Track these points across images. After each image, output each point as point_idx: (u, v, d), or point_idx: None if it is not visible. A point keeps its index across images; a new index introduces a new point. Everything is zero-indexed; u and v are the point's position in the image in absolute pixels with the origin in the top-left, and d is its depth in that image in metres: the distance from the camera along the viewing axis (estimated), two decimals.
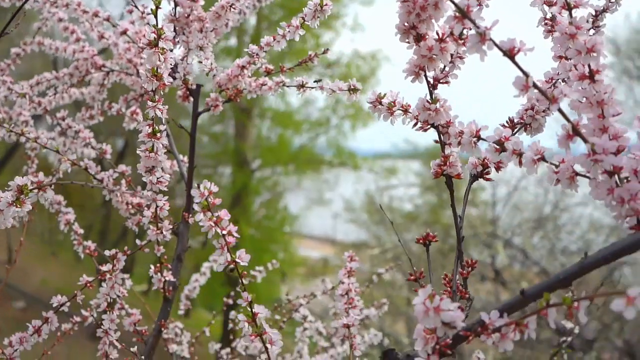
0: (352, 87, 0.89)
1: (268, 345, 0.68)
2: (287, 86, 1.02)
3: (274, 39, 0.96)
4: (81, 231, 1.15)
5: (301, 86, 1.00)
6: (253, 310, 0.69)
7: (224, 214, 0.67)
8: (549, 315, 0.50)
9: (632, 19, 9.18)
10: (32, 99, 1.21)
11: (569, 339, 1.13)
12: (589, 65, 0.57)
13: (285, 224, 11.43)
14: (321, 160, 11.86)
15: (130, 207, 1.08)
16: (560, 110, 0.54)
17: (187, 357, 1.36)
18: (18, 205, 0.70)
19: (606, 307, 6.11)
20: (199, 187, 0.65)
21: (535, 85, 0.53)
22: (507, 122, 0.73)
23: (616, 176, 0.56)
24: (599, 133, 0.56)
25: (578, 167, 0.58)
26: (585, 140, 0.54)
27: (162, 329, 1.04)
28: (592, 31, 0.76)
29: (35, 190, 0.69)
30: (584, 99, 0.58)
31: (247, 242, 10.27)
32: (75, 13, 1.16)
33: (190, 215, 1.02)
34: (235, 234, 0.67)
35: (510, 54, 0.54)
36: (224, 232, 0.66)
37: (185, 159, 1.18)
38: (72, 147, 1.25)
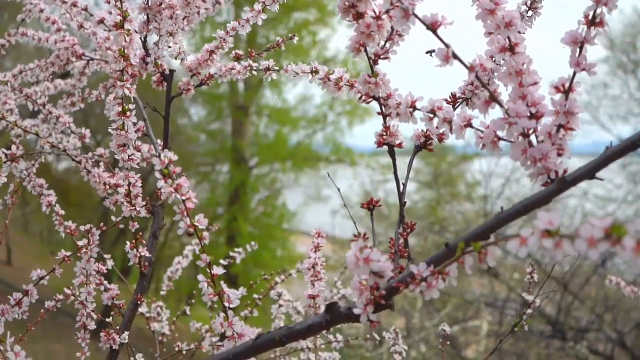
0: (314, 69, 0.94)
1: (226, 304, 0.74)
2: (255, 70, 1.07)
3: (239, 23, 1.02)
4: (62, 212, 1.20)
5: (267, 69, 1.06)
6: (212, 271, 0.74)
7: (184, 181, 0.72)
8: (465, 262, 0.56)
9: (626, 13, 9.23)
10: (14, 87, 1.26)
11: (530, 310, 1.19)
12: (509, 38, 0.62)
13: (283, 221, 11.48)
14: (318, 157, 11.91)
15: (107, 187, 1.13)
16: (478, 78, 0.60)
17: (168, 334, 1.42)
18: None
19: (598, 298, 6.12)
20: (159, 155, 0.70)
21: (454, 56, 0.59)
22: (449, 96, 0.78)
23: (533, 137, 0.61)
24: (519, 100, 0.62)
25: (501, 133, 0.63)
26: (501, 105, 0.60)
27: (139, 303, 1.10)
28: (530, 12, 0.81)
29: (9, 162, 0.74)
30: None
31: (245, 239, 10.32)
32: (54, 3, 1.21)
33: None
34: (195, 200, 0.72)
35: (432, 27, 0.59)
36: (184, 197, 0.71)
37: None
38: (55, 133, 1.31)
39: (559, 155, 0.59)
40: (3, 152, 0.73)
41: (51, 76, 1.32)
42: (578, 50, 0.60)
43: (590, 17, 0.60)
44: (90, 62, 1.31)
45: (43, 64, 1.31)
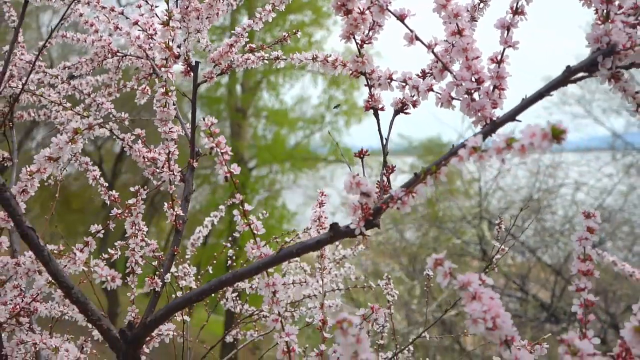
0: (314, 56, 1.18)
1: (255, 232, 0.97)
2: (266, 59, 1.31)
3: (253, 21, 1.26)
4: (106, 184, 1.44)
5: (276, 58, 1.29)
6: (244, 208, 0.98)
7: (222, 139, 0.95)
8: (427, 182, 0.79)
9: None
10: (63, 80, 1.50)
11: (498, 256, 1.42)
12: (457, 25, 0.86)
13: (283, 222, 11.69)
14: (316, 157, 12.14)
15: (145, 160, 1.36)
16: (434, 54, 0.83)
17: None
18: (73, 143, 0.98)
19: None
20: (204, 118, 0.93)
21: (417, 38, 0.82)
22: (420, 72, 1.01)
23: (476, 95, 0.85)
24: (464, 69, 0.85)
25: (453, 94, 0.87)
26: (451, 72, 0.83)
27: (175, 254, 1.33)
28: (481, 5, 1.04)
29: (86, 130, 0.97)
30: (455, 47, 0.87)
31: (246, 239, 10.51)
32: (95, 9, 1.45)
33: (195, 161, 1.31)
34: (230, 152, 0.95)
35: (401, 18, 0.83)
36: (222, 151, 0.95)
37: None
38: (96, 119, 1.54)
39: (494, 107, 0.83)
40: (82, 122, 0.96)
41: (91, 71, 1.55)
42: (506, 31, 0.84)
43: (514, 8, 0.84)
44: (124, 57, 1.54)
45: (84, 60, 1.54)
